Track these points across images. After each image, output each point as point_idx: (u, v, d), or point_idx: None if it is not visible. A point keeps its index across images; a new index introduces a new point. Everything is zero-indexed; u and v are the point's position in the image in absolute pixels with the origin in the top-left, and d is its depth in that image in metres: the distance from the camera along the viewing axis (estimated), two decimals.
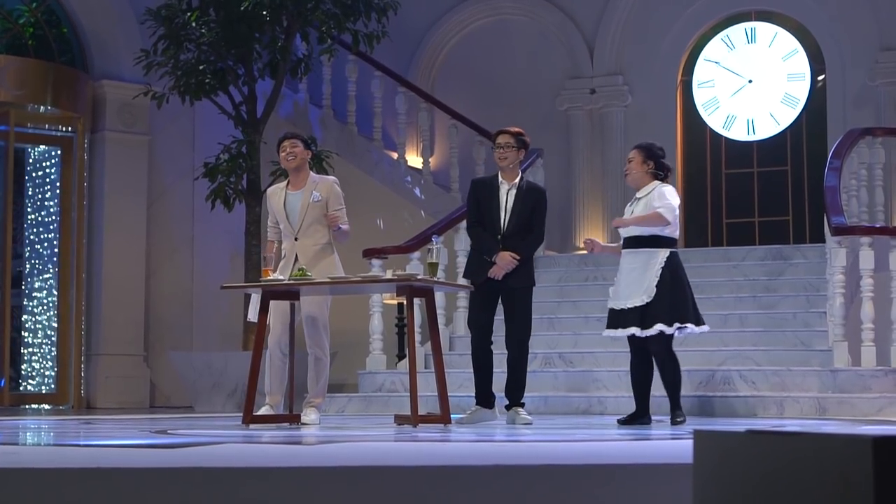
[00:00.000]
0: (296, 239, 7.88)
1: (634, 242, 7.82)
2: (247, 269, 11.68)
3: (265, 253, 8.14)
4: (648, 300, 7.65)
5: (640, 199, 7.86)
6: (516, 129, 8.22)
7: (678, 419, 7.72)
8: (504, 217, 8.02)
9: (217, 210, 11.96)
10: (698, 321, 7.82)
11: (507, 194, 8.06)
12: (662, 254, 7.73)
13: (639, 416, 7.78)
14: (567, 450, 5.20)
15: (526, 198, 8.04)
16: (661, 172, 7.89)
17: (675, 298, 7.68)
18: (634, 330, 7.67)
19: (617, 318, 7.81)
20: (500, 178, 8.13)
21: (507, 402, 8.02)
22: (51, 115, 12.91)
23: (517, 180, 8.09)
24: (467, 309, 9.39)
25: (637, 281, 7.72)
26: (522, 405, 8.02)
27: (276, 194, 8.07)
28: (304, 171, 8.02)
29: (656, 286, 7.64)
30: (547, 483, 3.60)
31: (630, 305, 7.70)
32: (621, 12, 14.37)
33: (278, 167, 11.06)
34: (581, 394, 9.71)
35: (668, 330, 7.65)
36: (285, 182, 8.13)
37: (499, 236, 8.00)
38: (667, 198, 7.73)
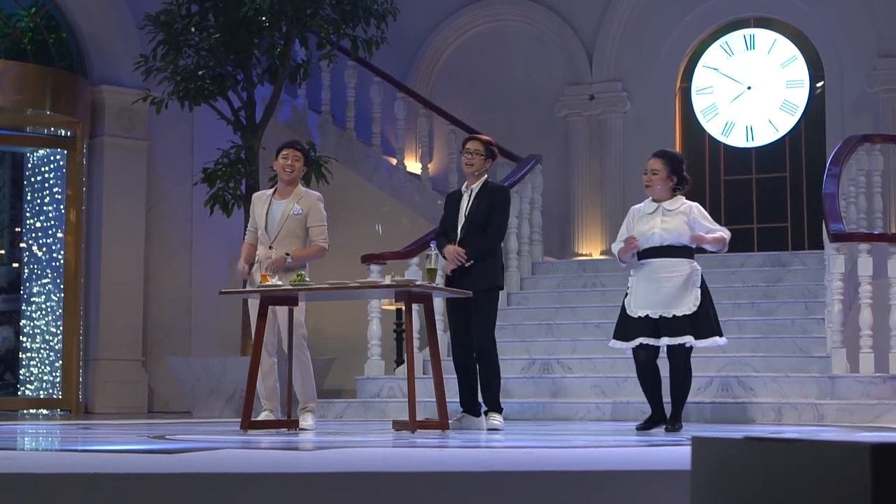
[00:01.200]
0: (270, 247, 7.97)
1: (668, 252, 7.79)
2: None
3: (242, 261, 8.14)
4: (695, 309, 7.68)
5: (671, 210, 7.84)
6: (486, 138, 8.33)
7: (676, 426, 7.73)
8: (460, 222, 8.06)
9: (216, 215, 11.96)
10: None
11: (468, 200, 8.10)
12: (697, 265, 7.82)
13: (658, 421, 7.81)
14: (565, 456, 5.20)
15: (481, 199, 8.08)
16: (681, 187, 7.94)
17: (714, 310, 7.79)
18: (688, 339, 7.68)
19: (655, 328, 7.75)
20: (463, 187, 8.21)
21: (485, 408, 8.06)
22: (50, 119, 12.91)
23: (477, 185, 8.13)
24: None
25: (681, 290, 7.71)
26: (500, 410, 8.02)
27: (261, 199, 8.19)
28: (295, 183, 8.17)
29: (701, 297, 7.71)
30: (545, 489, 3.60)
31: (679, 314, 7.69)
32: (620, 19, 14.37)
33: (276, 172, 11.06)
34: (579, 400, 9.70)
35: (721, 342, 7.76)
36: (272, 189, 8.21)
37: (455, 242, 8.03)
38: (713, 221, 7.92)
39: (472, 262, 7.96)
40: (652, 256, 7.80)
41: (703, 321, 7.73)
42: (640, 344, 7.76)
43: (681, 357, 7.78)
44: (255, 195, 8.42)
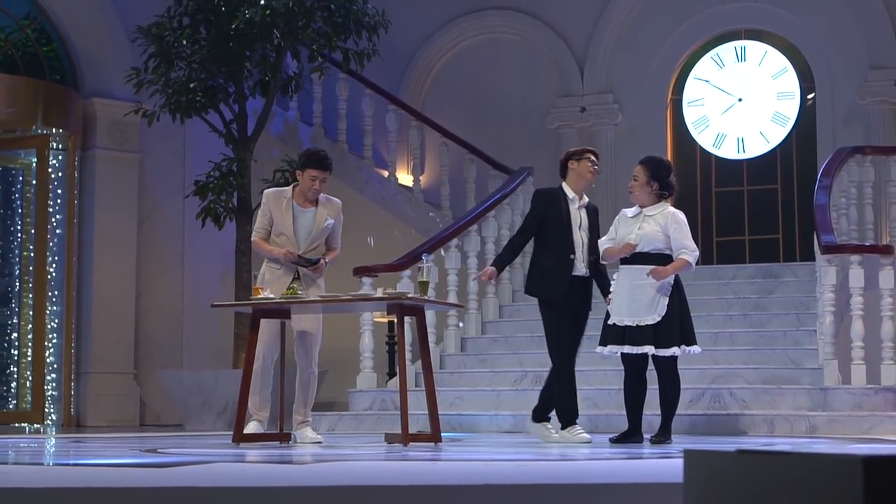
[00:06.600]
0: (300, 255, 7.87)
1: (642, 259, 7.79)
2: (237, 287, 11.67)
3: (279, 253, 7.84)
4: (659, 319, 7.66)
5: (650, 216, 7.84)
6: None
7: (665, 439, 7.71)
8: (577, 234, 7.96)
9: (207, 228, 11.95)
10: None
11: (579, 213, 8.03)
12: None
13: (631, 435, 7.78)
14: (558, 468, 5.20)
15: (591, 216, 8.10)
16: (666, 192, 7.91)
17: (684, 319, 7.75)
18: (648, 349, 7.66)
19: (622, 335, 7.77)
20: (571, 195, 8.09)
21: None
22: (41, 131, 12.88)
23: (584, 200, 8.15)
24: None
25: (647, 298, 7.70)
26: (549, 419, 7.98)
27: (280, 202, 7.95)
28: None
29: (668, 305, 7.67)
30: (538, 502, 3.60)
31: (642, 323, 7.68)
32: (612, 31, 14.40)
33: (269, 185, 11.05)
34: None
35: (679, 352, 7.70)
36: (290, 192, 8.04)
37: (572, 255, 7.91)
38: (689, 238, 7.80)
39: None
40: (628, 262, 7.85)
41: (665, 331, 7.68)
42: (623, 351, 7.80)
43: (665, 367, 7.76)
44: (271, 194, 8.08)
